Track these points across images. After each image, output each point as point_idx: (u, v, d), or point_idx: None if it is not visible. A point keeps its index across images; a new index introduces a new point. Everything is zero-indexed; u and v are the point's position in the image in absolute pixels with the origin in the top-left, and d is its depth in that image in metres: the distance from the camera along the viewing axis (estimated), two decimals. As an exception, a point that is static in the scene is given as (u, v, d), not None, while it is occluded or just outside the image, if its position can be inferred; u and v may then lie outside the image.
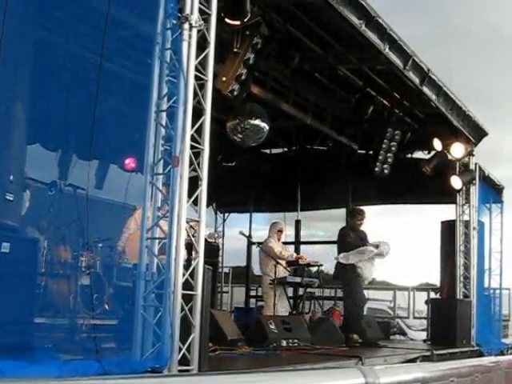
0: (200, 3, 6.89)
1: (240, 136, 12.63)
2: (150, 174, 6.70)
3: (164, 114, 6.75)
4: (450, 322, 13.63)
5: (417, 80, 11.87)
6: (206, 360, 7.05)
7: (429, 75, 11.98)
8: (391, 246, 13.31)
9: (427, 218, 19.68)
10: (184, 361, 6.41)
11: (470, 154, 14.72)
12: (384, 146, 13.82)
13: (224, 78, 9.61)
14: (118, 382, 4.87)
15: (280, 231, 14.40)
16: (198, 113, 6.84)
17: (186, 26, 6.69)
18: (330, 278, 22.74)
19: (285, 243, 14.94)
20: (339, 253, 13.02)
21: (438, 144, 14.08)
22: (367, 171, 14.21)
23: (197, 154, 6.81)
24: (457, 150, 14.27)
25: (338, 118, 14.38)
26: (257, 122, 12.45)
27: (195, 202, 6.82)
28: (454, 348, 13.05)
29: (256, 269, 17.48)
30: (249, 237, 15.94)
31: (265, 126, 12.55)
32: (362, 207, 14.12)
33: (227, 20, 8.86)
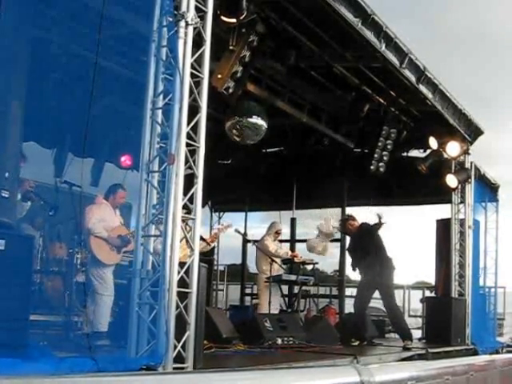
0: (196, 1, 6.89)
1: (238, 134, 12.61)
2: (146, 172, 6.71)
3: (160, 112, 6.75)
4: (445, 320, 13.64)
5: (413, 78, 11.88)
6: (201, 358, 7.06)
7: (425, 73, 12.00)
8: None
9: (422, 217, 19.69)
10: (179, 358, 6.42)
11: (466, 152, 14.73)
12: (380, 144, 13.82)
13: (219, 76, 9.61)
14: (112, 379, 4.88)
15: (277, 233, 14.42)
16: (193, 110, 6.85)
17: (182, 23, 6.70)
18: (325, 276, 22.80)
19: (280, 241, 14.94)
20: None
21: (433, 142, 14.09)
22: (363, 170, 14.21)
23: (192, 151, 6.81)
24: (452, 148, 14.28)
25: (333, 116, 14.38)
26: (255, 120, 12.44)
27: (191, 200, 6.82)
28: (449, 346, 13.07)
29: (251, 267, 17.52)
30: (244, 235, 15.95)
31: (263, 124, 12.53)
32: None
33: (223, 18, 8.86)
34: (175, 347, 6.36)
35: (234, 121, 12.49)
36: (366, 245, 12.33)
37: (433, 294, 15.87)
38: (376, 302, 20.48)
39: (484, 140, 15.15)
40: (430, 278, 16.42)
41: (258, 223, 20.59)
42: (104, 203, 10.34)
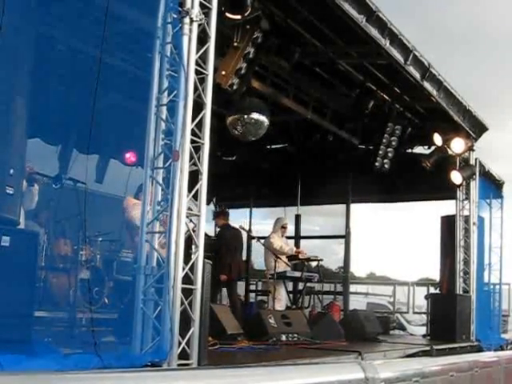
0: (200, -3, 6.90)
1: (240, 130, 12.61)
2: (151, 168, 6.71)
3: (164, 108, 6.75)
4: (449, 317, 13.65)
5: (417, 75, 11.87)
6: (206, 354, 7.06)
7: (429, 70, 11.98)
8: None
9: (427, 213, 19.69)
10: (183, 355, 6.43)
11: (470, 149, 14.72)
12: (384, 140, 13.81)
13: (223, 72, 9.60)
14: (117, 375, 4.88)
15: (284, 227, 14.40)
16: (198, 107, 6.85)
17: (187, 20, 6.70)
18: (330, 273, 22.81)
19: (286, 238, 14.94)
20: None
21: (438, 139, 14.08)
22: (367, 166, 14.20)
23: (197, 148, 6.81)
24: (457, 145, 14.27)
25: (338, 113, 14.36)
26: (257, 116, 12.43)
27: (195, 197, 6.83)
28: (454, 343, 13.07)
29: (256, 263, 17.52)
30: (248, 231, 15.95)
31: (265, 120, 12.53)
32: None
33: (228, 14, 8.86)
34: (180, 344, 6.37)
35: (236, 117, 12.50)
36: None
37: (437, 291, 15.87)
38: (380, 298, 20.59)
39: (485, 138, 15.14)
40: (435, 274, 16.43)
41: (262, 219, 20.60)
42: (136, 202, 9.95)
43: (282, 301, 13.17)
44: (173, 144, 6.57)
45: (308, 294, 14.73)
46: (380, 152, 13.89)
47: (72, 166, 12.80)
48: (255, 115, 12.42)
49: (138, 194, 10.22)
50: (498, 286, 16.44)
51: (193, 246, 6.76)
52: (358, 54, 11.72)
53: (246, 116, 12.42)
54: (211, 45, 7.06)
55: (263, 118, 12.52)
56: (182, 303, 6.45)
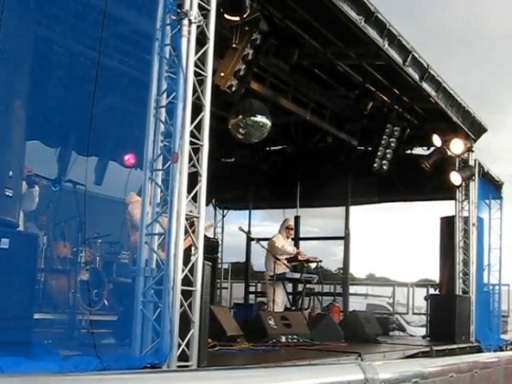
0: (199, -1, 6.89)
1: (242, 133, 12.60)
2: (150, 170, 6.71)
3: (163, 110, 6.75)
4: (449, 318, 13.65)
5: (416, 76, 11.88)
6: (205, 356, 7.05)
7: (428, 71, 11.99)
8: None
9: (426, 214, 19.69)
10: (183, 357, 6.42)
11: (470, 149, 14.73)
12: (383, 142, 13.80)
13: (222, 74, 9.59)
14: (117, 377, 4.87)
15: (288, 228, 14.36)
16: (197, 109, 6.84)
17: (186, 21, 6.69)
18: (330, 274, 22.82)
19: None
20: None
21: (437, 140, 14.08)
22: (366, 168, 14.20)
23: (196, 149, 6.81)
24: (456, 146, 14.28)
25: (337, 114, 14.38)
26: (259, 118, 12.43)
27: (194, 198, 6.82)
28: (453, 344, 13.08)
29: (256, 265, 17.53)
30: (248, 233, 15.94)
31: (267, 122, 12.52)
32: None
33: (226, 16, 8.86)
34: (179, 345, 6.37)
35: (238, 119, 12.48)
36: None
37: (437, 292, 15.87)
38: (380, 299, 20.58)
39: (484, 139, 15.16)
40: (434, 275, 16.43)
41: (261, 221, 20.62)
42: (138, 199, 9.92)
43: (278, 304, 13.11)
44: (172, 146, 6.56)
45: (307, 295, 14.72)
46: (379, 153, 13.89)
47: (71, 168, 12.81)
48: (258, 117, 12.42)
49: (139, 193, 10.17)
50: (497, 287, 16.45)
51: (192, 248, 6.75)
52: (357, 55, 11.72)
53: (248, 118, 12.42)
54: (210, 46, 7.05)
55: (266, 121, 12.51)
56: (182, 305, 6.44)
